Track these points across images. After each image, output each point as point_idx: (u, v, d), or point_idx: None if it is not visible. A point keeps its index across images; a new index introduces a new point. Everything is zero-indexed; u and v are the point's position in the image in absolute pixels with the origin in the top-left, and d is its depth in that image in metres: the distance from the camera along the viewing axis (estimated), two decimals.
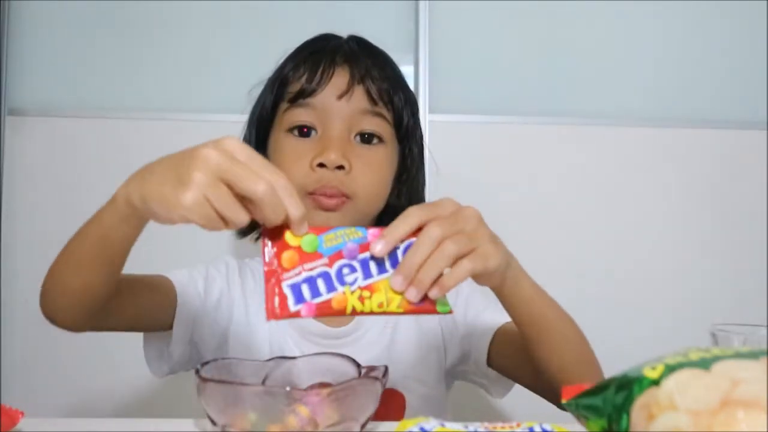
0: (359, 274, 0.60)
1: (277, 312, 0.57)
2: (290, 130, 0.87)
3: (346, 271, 0.60)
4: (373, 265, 0.60)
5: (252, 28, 1.45)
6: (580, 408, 0.51)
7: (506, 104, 1.47)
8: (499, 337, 0.86)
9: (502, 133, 1.45)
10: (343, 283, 0.59)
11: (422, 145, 0.98)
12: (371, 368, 0.63)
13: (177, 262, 0.90)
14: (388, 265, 0.61)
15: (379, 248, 0.59)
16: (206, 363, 0.63)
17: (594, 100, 1.49)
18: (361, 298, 0.59)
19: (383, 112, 0.89)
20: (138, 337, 0.88)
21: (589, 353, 0.78)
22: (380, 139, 0.89)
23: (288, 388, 0.58)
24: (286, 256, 0.58)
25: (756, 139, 1.48)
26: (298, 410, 0.56)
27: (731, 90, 1.51)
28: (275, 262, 0.58)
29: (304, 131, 0.87)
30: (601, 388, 0.50)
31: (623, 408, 0.46)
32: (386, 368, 0.62)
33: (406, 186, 0.95)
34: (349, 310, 0.59)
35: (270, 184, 0.54)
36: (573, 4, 1.49)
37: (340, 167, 0.84)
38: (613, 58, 1.50)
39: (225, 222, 0.56)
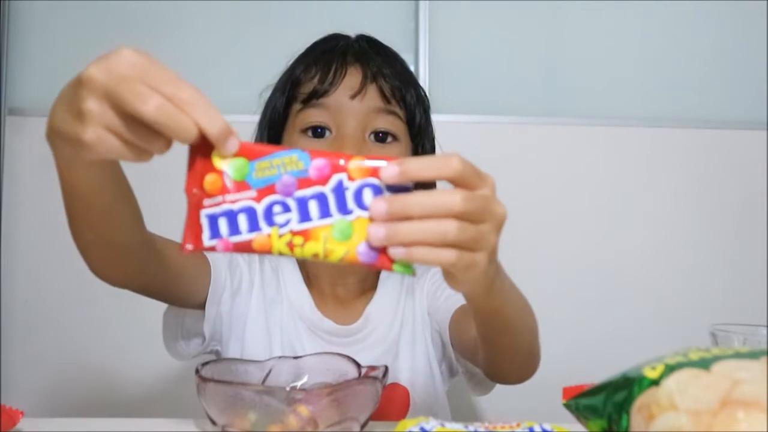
0: (294, 215, 0.49)
1: (189, 246, 0.50)
2: (304, 131, 0.87)
3: (277, 209, 0.50)
4: (313, 206, 0.49)
5: (253, 28, 1.45)
6: (580, 408, 0.51)
7: (506, 104, 1.47)
8: (456, 316, 0.85)
9: (502, 133, 1.45)
10: (271, 223, 0.49)
11: (434, 141, 0.98)
12: (371, 368, 0.63)
13: None
14: (334, 208, 0.49)
15: (389, 174, 0.49)
16: (206, 363, 0.63)
17: (594, 100, 1.49)
18: (290, 245, 0.49)
19: (396, 110, 0.89)
20: (139, 337, 0.88)
21: (536, 342, 0.74)
22: (394, 138, 0.89)
23: (288, 388, 0.58)
24: (209, 179, 0.50)
25: (756, 139, 1.48)
26: (298, 410, 0.56)
27: (731, 90, 1.51)
28: (196, 183, 0.50)
29: (318, 132, 0.86)
30: (601, 388, 0.50)
31: (623, 408, 0.46)
32: (386, 368, 0.62)
33: (419, 185, 0.94)
34: (274, 253, 0.50)
35: (166, 98, 0.47)
36: (573, 4, 1.49)
37: None
38: (613, 58, 1.50)
39: (144, 151, 0.49)
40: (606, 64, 1.50)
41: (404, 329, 0.92)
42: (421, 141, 0.94)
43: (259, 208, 0.50)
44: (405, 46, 1.44)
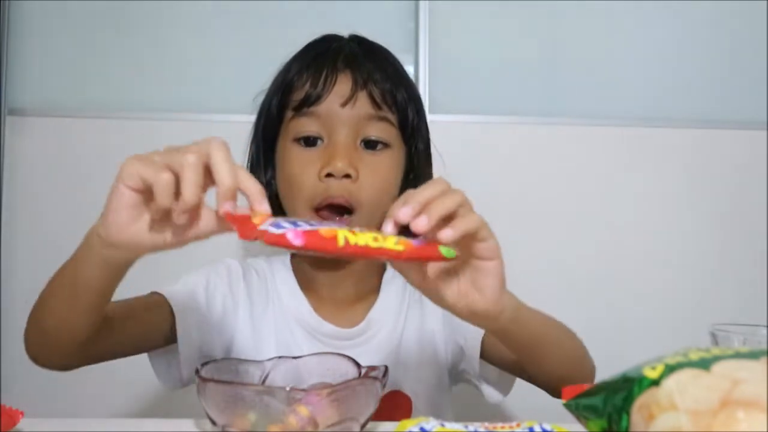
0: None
1: (254, 233, 0.52)
2: (297, 140, 0.87)
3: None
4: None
5: (252, 28, 1.45)
6: (580, 408, 0.51)
7: (506, 104, 1.47)
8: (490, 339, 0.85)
9: (502, 133, 1.45)
10: (323, 225, 0.54)
11: (428, 141, 0.97)
12: (371, 368, 0.63)
13: (182, 260, 0.89)
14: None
15: (403, 212, 0.56)
16: (206, 363, 0.63)
17: (594, 100, 1.49)
18: (351, 231, 0.53)
19: (387, 115, 0.88)
20: None
21: (583, 356, 0.80)
22: (385, 145, 0.89)
23: (288, 388, 0.58)
24: (255, 220, 0.54)
25: (756, 139, 1.48)
26: (298, 410, 0.56)
27: (731, 90, 1.51)
28: (246, 227, 0.53)
29: (310, 141, 0.87)
30: (601, 388, 0.50)
31: (623, 408, 0.46)
32: (386, 368, 0.62)
33: (413, 185, 0.94)
34: (341, 240, 0.52)
35: (177, 167, 0.53)
36: (573, 4, 1.49)
37: (347, 176, 0.84)
38: (613, 58, 1.50)
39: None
40: (606, 64, 1.50)
41: (408, 336, 0.91)
42: (415, 143, 0.93)
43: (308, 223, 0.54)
44: (405, 46, 1.44)
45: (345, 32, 0.96)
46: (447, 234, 0.56)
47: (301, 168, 0.86)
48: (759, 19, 1.51)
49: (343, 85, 0.87)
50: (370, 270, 0.96)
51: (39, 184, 1.39)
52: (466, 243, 0.59)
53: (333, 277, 0.92)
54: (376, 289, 0.95)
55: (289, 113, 0.88)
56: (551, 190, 1.45)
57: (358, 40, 0.94)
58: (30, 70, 1.42)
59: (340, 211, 0.86)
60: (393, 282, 0.95)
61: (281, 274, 0.93)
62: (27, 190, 1.39)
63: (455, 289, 0.62)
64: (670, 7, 1.50)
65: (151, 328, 0.82)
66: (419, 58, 1.43)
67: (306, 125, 0.87)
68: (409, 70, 1.43)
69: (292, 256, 0.97)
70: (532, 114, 1.46)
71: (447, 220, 0.57)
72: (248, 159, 0.95)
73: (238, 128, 0.96)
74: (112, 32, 1.44)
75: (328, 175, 0.84)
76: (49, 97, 1.41)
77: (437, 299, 0.63)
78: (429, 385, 0.91)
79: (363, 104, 0.87)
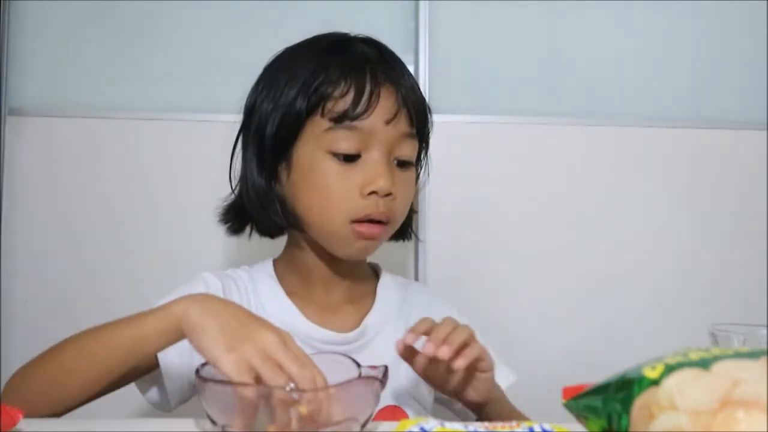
0: None
1: None
2: (335, 154, 0.84)
3: None
4: None
5: (252, 27, 1.45)
6: (580, 408, 0.51)
7: (506, 104, 1.47)
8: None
9: (502, 133, 1.45)
10: None
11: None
12: (371, 368, 0.63)
13: (176, 266, 0.88)
14: None
15: (428, 347, 0.73)
16: (206, 363, 0.63)
17: (594, 100, 1.49)
18: None
19: (414, 132, 0.89)
20: None
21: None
22: (411, 162, 0.90)
23: (288, 388, 0.58)
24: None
25: (756, 139, 1.48)
26: (298, 410, 0.56)
27: (731, 90, 1.51)
28: None
29: (349, 156, 0.85)
30: (601, 388, 0.50)
31: (623, 408, 0.46)
32: (386, 368, 0.62)
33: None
34: None
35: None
36: (573, 4, 1.49)
37: (389, 194, 0.85)
38: (613, 58, 1.50)
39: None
40: (606, 64, 1.50)
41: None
42: (425, 153, 0.97)
43: None
44: (405, 46, 1.44)
45: (344, 32, 0.96)
46: (459, 363, 0.74)
47: (341, 183, 0.84)
48: (759, 19, 1.51)
49: (387, 101, 0.85)
50: (364, 273, 0.96)
51: (39, 184, 1.39)
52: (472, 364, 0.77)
53: (327, 281, 0.92)
54: (370, 294, 0.94)
55: (323, 122, 0.85)
56: (551, 190, 1.45)
57: (377, 46, 0.92)
58: (30, 70, 1.42)
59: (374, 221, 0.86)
60: (390, 289, 0.95)
61: (265, 284, 0.92)
62: (27, 190, 1.38)
63: (456, 384, 0.81)
64: (670, 7, 1.50)
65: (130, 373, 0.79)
66: (419, 58, 1.43)
67: (347, 140, 0.84)
68: (409, 70, 1.43)
69: (275, 262, 0.96)
70: (532, 114, 1.46)
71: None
72: (241, 155, 0.92)
73: (237, 128, 0.96)
74: (112, 32, 1.43)
75: (371, 192, 0.84)
76: (49, 97, 1.41)
77: (441, 388, 0.84)
78: (424, 402, 0.91)
79: (402, 122, 0.86)
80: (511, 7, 1.48)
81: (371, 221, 0.85)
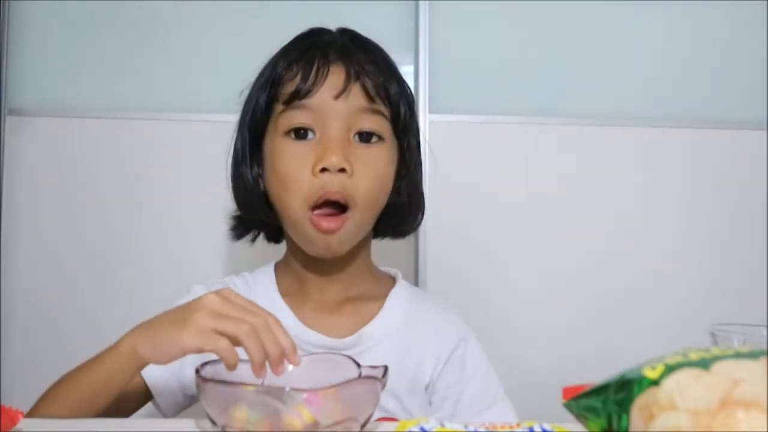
0: None
1: None
2: (287, 132, 0.85)
3: None
4: None
5: (252, 27, 1.45)
6: (580, 408, 0.51)
7: (506, 104, 1.47)
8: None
9: (502, 133, 1.45)
10: None
11: (419, 137, 0.95)
12: (371, 368, 0.63)
13: (176, 266, 0.89)
14: None
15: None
16: (206, 363, 0.63)
17: (594, 100, 1.49)
18: None
19: (381, 108, 0.86)
20: None
21: None
22: (379, 137, 0.86)
23: (288, 388, 0.58)
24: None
25: (756, 139, 1.48)
26: (298, 410, 0.56)
27: (731, 90, 1.51)
28: None
29: (300, 133, 0.84)
30: (601, 388, 0.50)
31: (623, 408, 0.46)
32: (386, 368, 0.62)
33: (405, 181, 0.92)
34: None
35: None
36: (572, 4, 1.49)
37: (342, 170, 0.82)
38: (613, 57, 1.50)
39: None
40: (606, 64, 1.50)
41: (405, 365, 0.88)
42: (407, 138, 0.92)
43: None
44: (405, 46, 1.44)
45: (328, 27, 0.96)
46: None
47: (294, 163, 0.83)
48: (759, 19, 1.51)
49: (335, 77, 0.84)
50: (360, 273, 0.93)
51: (39, 184, 1.39)
52: None
53: (320, 280, 0.90)
54: (378, 300, 0.92)
55: (279, 107, 0.86)
56: (551, 190, 1.45)
57: (349, 34, 0.92)
58: (30, 70, 1.42)
59: (335, 207, 0.83)
60: (401, 300, 0.92)
61: (261, 287, 0.91)
62: (27, 190, 1.39)
63: None
64: (670, 7, 1.50)
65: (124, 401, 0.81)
66: (419, 58, 1.43)
67: (297, 117, 0.84)
68: (409, 70, 1.43)
69: (277, 264, 0.96)
70: (532, 114, 1.46)
71: None
72: (232, 155, 0.92)
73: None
74: (112, 32, 1.44)
75: (323, 170, 0.82)
76: (49, 97, 1.41)
77: None
78: (423, 411, 0.89)
79: (356, 97, 0.85)
80: (511, 7, 1.48)
81: (330, 207, 0.83)
